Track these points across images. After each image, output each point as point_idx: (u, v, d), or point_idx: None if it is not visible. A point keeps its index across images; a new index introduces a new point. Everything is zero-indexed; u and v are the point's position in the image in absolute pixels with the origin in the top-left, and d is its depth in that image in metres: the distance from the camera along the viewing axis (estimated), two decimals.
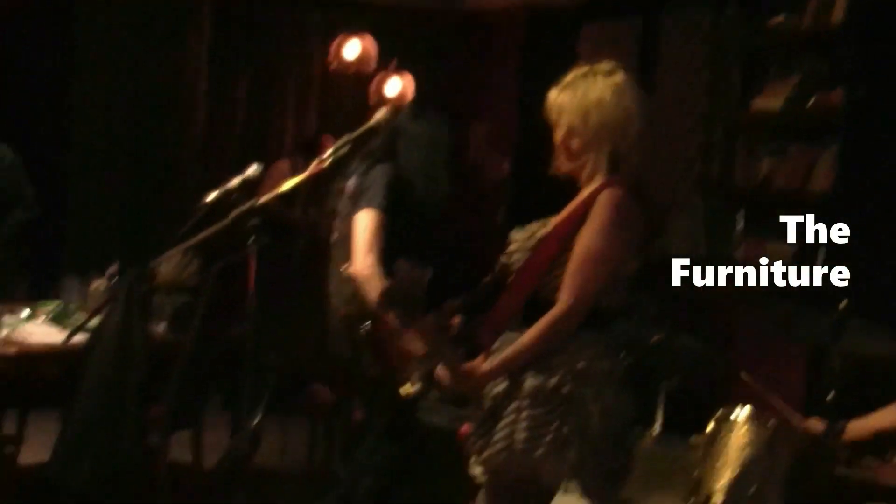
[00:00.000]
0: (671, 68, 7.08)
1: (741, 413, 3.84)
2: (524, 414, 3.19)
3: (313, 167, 3.49)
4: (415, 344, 3.74)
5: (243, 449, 4.82)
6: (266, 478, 5.82)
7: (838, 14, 5.56)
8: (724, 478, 3.73)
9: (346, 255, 4.23)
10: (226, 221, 3.31)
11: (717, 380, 5.66)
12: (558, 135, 3.34)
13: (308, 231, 8.31)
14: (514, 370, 3.22)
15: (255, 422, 4.97)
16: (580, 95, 3.28)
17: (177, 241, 3.85)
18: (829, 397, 3.92)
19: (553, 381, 3.18)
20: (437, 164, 4.50)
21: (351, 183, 4.36)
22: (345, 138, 3.51)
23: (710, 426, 3.90)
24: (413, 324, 3.26)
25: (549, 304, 3.21)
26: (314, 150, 8.17)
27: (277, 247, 7.55)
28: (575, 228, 3.24)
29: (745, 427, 3.80)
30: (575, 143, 3.31)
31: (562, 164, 3.39)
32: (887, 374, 4.78)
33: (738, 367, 5.22)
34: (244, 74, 9.14)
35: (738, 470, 3.73)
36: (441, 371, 3.29)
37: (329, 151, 3.45)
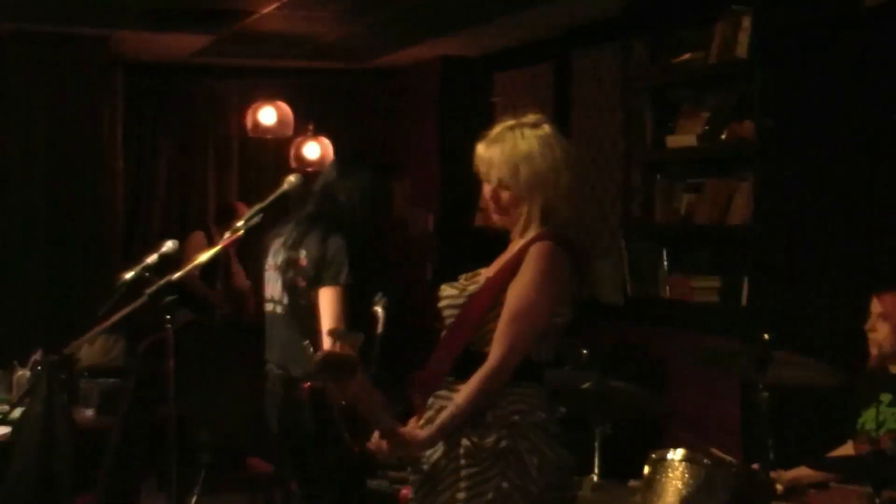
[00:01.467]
0: (585, 111, 7.14)
1: (676, 454, 3.83)
2: (463, 473, 3.17)
3: (227, 237, 3.47)
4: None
5: None
6: None
7: (742, 48, 5.63)
8: None
9: (304, 326, 4.16)
10: (141, 299, 3.28)
11: (652, 421, 5.68)
12: (487, 189, 3.34)
13: (228, 304, 8.31)
14: (448, 433, 3.19)
15: (193, 501, 4.90)
16: (509, 149, 3.26)
17: (95, 322, 3.80)
18: (760, 430, 3.94)
19: (490, 438, 3.16)
20: (371, 220, 4.49)
21: (303, 254, 4.27)
22: (256, 207, 3.50)
23: (646, 469, 3.89)
24: (349, 391, 3.21)
25: (481, 357, 3.18)
26: (230, 219, 8.20)
27: (199, 321, 7.53)
28: (506, 282, 3.23)
29: (681, 468, 3.79)
30: (505, 197, 3.29)
31: (493, 217, 3.38)
32: (812, 403, 4.82)
33: (671, 407, 5.26)
34: (162, 147, 9.11)
35: None
36: (379, 438, 3.25)
37: (241, 221, 3.43)
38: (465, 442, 3.18)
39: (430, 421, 3.25)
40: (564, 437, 3.28)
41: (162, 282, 3.30)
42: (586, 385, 4.48)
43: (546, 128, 3.32)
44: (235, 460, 6.00)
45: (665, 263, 6.27)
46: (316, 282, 4.19)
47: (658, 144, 6.37)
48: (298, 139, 8.76)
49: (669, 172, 6.38)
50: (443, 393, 3.26)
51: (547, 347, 3.29)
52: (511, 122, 3.32)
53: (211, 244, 7.82)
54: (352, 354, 3.21)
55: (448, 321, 3.33)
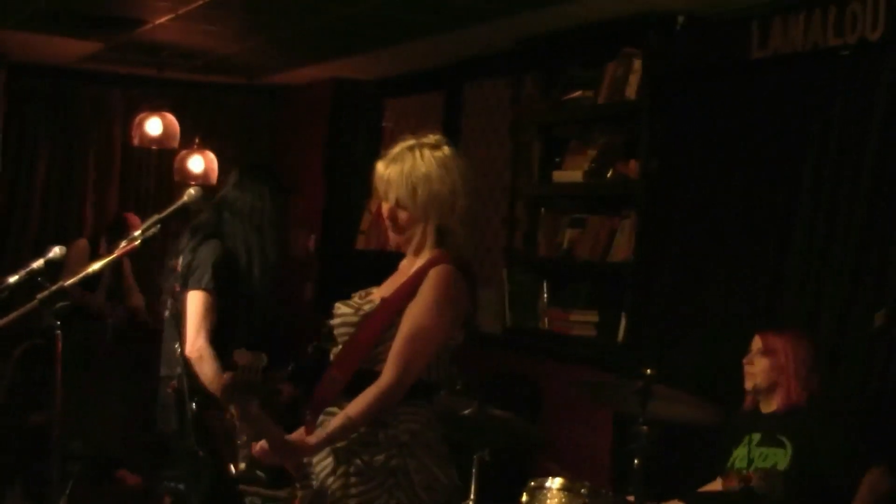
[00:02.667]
0: (474, 142, 7.23)
1: (554, 483, 3.89)
2: (352, 490, 3.20)
3: (123, 247, 3.45)
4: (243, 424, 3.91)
5: None
6: None
7: (631, 90, 5.76)
8: None
9: (178, 332, 4.32)
10: (32, 304, 3.23)
11: (528, 450, 5.75)
12: (385, 207, 3.38)
13: (116, 314, 8.18)
14: (337, 442, 3.21)
15: None
16: (408, 169, 3.30)
17: None
18: (637, 462, 4.02)
19: (380, 456, 3.20)
20: (264, 234, 4.54)
21: (180, 261, 4.35)
22: (154, 217, 3.48)
23: (524, 497, 3.95)
24: (251, 412, 3.22)
25: (373, 375, 3.22)
26: (120, 230, 8.11)
27: (84, 330, 7.43)
28: (403, 304, 3.27)
29: (558, 497, 3.86)
30: (402, 217, 3.34)
31: (386, 235, 3.43)
32: (682, 439, 4.94)
33: (547, 435, 5.33)
34: (42, 151, 8.95)
35: None
36: (263, 445, 3.27)
37: (139, 231, 3.42)
38: (355, 461, 3.21)
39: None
40: (451, 457, 3.34)
41: (54, 287, 3.25)
42: (467, 412, 4.53)
43: (446, 149, 3.37)
44: (105, 471, 5.93)
45: (545, 296, 6.37)
46: (184, 286, 4.35)
47: (544, 178, 6.47)
48: (183, 152, 8.68)
49: (554, 207, 6.49)
50: (334, 410, 3.28)
51: (439, 369, 3.33)
52: (411, 142, 3.37)
53: (96, 253, 7.73)
54: (255, 378, 3.28)
55: (341, 339, 3.35)
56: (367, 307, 3.33)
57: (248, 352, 4.27)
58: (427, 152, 3.33)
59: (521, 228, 6.67)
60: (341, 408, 3.24)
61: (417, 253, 3.36)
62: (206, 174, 8.58)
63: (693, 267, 5.44)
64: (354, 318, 3.33)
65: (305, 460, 3.31)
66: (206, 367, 4.28)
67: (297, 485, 3.34)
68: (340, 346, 3.35)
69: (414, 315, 3.24)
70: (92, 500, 5.87)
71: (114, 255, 3.43)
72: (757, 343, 4.42)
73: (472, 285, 3.35)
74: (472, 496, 4.49)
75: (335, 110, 8.62)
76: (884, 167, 4.63)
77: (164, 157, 9.10)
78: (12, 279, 3.59)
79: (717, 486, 4.49)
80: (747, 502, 3.78)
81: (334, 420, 3.20)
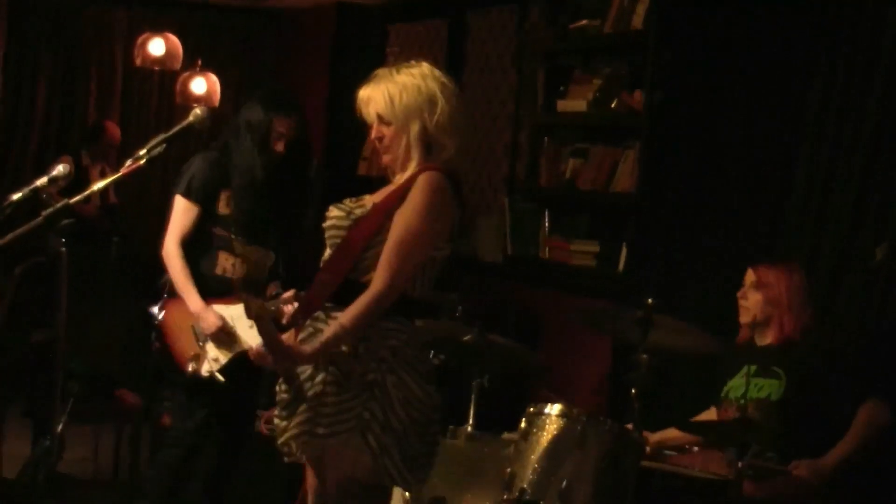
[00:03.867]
0: (478, 69, 7.19)
1: (552, 409, 3.92)
2: (328, 400, 3.22)
3: (128, 164, 3.44)
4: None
5: (47, 457, 4.70)
6: (72, 485, 5.70)
7: (638, 20, 5.72)
8: (536, 473, 3.81)
9: None
10: (37, 221, 3.23)
11: (528, 376, 5.79)
12: (372, 130, 3.40)
13: (119, 232, 8.19)
14: (333, 349, 3.23)
15: (59, 429, 4.85)
16: (383, 84, 3.35)
17: None
18: (633, 391, 4.05)
19: (358, 368, 3.22)
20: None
21: None
22: (161, 136, 3.48)
23: (523, 423, 3.98)
24: (256, 307, 3.25)
25: (361, 287, 3.24)
26: (99, 138, 8.09)
27: (83, 247, 7.44)
28: (393, 209, 3.28)
29: (557, 423, 3.88)
30: (386, 132, 3.36)
31: (380, 159, 3.45)
32: (679, 369, 4.97)
33: (547, 363, 5.36)
34: (43, 73, 8.91)
35: (549, 465, 3.81)
36: (260, 349, 3.30)
37: (144, 149, 3.41)
38: (333, 370, 3.23)
39: (303, 342, 3.29)
40: (433, 376, 3.35)
41: (59, 204, 3.25)
42: (467, 338, 4.55)
43: (424, 65, 3.41)
44: (104, 391, 5.95)
45: (546, 225, 6.37)
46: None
47: (548, 108, 6.44)
48: (186, 73, 8.64)
49: (557, 136, 6.47)
50: (320, 316, 3.31)
51: (424, 283, 3.35)
52: (391, 67, 3.41)
53: (80, 167, 7.70)
54: (262, 276, 3.72)
55: (332, 242, 3.37)
56: (358, 211, 3.35)
57: (260, 248, 4.56)
58: (404, 69, 3.38)
59: (523, 157, 6.66)
60: (327, 315, 3.27)
61: (404, 166, 3.37)
62: (208, 96, 8.55)
63: (695, 200, 5.44)
64: (346, 222, 3.34)
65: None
66: (170, 268, 4.62)
67: (278, 387, 3.37)
68: (330, 250, 3.36)
69: (403, 219, 3.26)
70: (91, 418, 5.91)
71: (120, 173, 3.43)
72: (750, 276, 4.43)
73: (460, 196, 3.36)
74: (470, 422, 4.52)
75: (339, 35, 8.57)
76: (888, 105, 4.62)
77: (166, 78, 9.06)
78: (16, 196, 3.58)
79: (711, 415, 4.53)
80: (743, 431, 3.81)
81: (328, 329, 3.22)
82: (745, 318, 4.44)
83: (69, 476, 5.85)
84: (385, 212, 3.29)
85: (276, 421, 3.38)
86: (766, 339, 4.40)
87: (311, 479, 3.45)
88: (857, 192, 4.70)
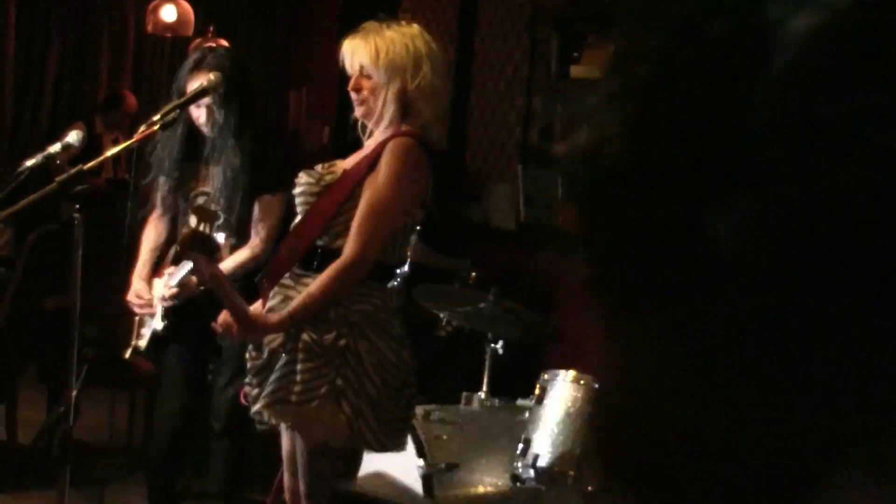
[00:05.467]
0: (491, 35, 7.16)
1: (566, 376, 3.92)
2: (299, 367, 3.21)
3: (142, 130, 3.43)
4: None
5: (62, 423, 4.71)
6: (86, 451, 5.72)
7: None
8: (551, 439, 3.81)
9: None
10: (51, 187, 3.22)
11: (542, 343, 5.78)
12: (351, 80, 3.37)
13: (134, 198, 8.16)
14: (301, 319, 3.22)
15: (74, 395, 4.86)
16: (372, 37, 3.32)
17: None
18: None
19: (329, 335, 3.21)
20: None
21: None
22: (174, 102, 3.46)
23: (537, 389, 3.98)
24: (209, 270, 3.23)
25: (331, 252, 3.23)
26: (117, 107, 8.04)
27: (96, 213, 7.45)
28: (364, 176, 3.27)
29: (571, 389, 3.88)
30: (366, 85, 3.33)
31: (355, 110, 3.42)
32: None
33: (557, 331, 5.36)
34: (55, 35, 8.87)
35: (564, 431, 3.81)
36: (226, 319, 3.28)
37: (159, 115, 3.40)
38: (304, 336, 3.21)
39: (272, 310, 3.28)
40: (407, 339, 3.35)
41: (73, 171, 3.24)
42: (481, 304, 4.54)
43: (414, 26, 3.40)
44: (118, 357, 5.95)
45: (560, 192, 6.35)
46: None
47: (562, 74, 6.42)
48: (198, 40, 8.59)
49: (571, 102, 6.44)
50: (288, 283, 3.30)
51: (396, 248, 3.34)
52: (381, 22, 3.38)
53: (92, 135, 7.68)
54: (213, 236, 3.39)
55: (301, 209, 3.36)
56: (328, 178, 3.33)
57: (208, 208, 4.28)
58: (394, 26, 3.36)
59: (536, 124, 6.64)
60: (296, 281, 3.27)
61: (378, 123, 3.35)
62: None
63: None
64: (316, 188, 3.33)
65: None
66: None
67: (248, 354, 3.36)
68: (300, 216, 3.35)
69: (373, 188, 3.24)
70: (105, 384, 5.91)
71: (134, 139, 3.41)
72: None
73: (432, 162, 3.34)
74: (484, 388, 4.52)
75: (349, 3, 8.52)
76: None
77: (177, 45, 9.03)
78: (29, 162, 3.58)
79: None
80: None
81: (297, 298, 3.21)
82: None
83: (84, 442, 5.86)
84: (355, 178, 3.27)
85: (248, 389, 3.37)
86: None
87: (286, 445, 3.45)
88: None
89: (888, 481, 0.74)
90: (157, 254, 4.49)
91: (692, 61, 0.73)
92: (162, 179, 4.38)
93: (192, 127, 4.29)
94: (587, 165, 0.73)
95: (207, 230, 3.30)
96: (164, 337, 4.42)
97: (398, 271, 3.99)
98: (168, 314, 4.38)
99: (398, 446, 3.39)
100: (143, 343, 4.54)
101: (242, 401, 3.52)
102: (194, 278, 3.91)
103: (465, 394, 4.47)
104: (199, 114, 4.17)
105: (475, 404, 4.46)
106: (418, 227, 4.43)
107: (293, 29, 9.41)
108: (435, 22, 7.25)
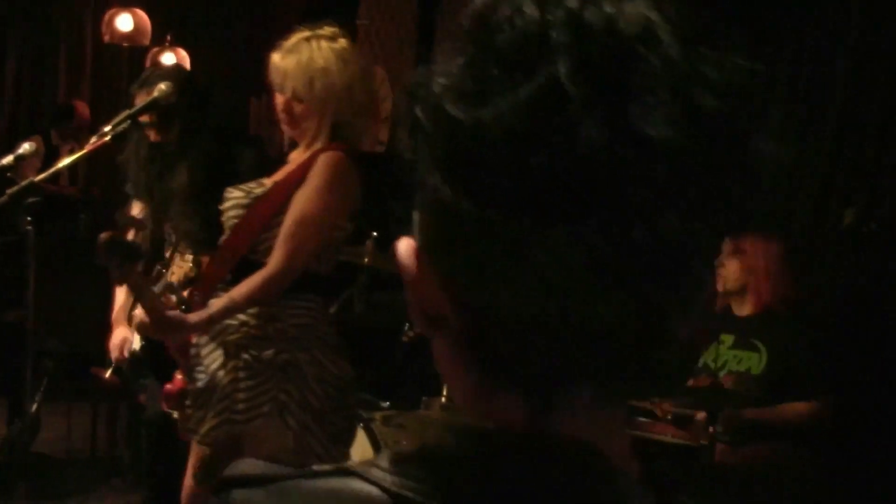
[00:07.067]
0: (450, 41, 7.16)
1: None
2: (241, 385, 3.20)
3: (94, 142, 3.41)
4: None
5: (22, 436, 4.69)
6: (48, 464, 5.69)
7: None
8: None
9: None
10: (1, 200, 3.20)
11: None
12: (280, 100, 3.31)
13: (90, 208, 8.13)
14: (217, 323, 3.20)
15: (34, 408, 4.83)
16: (305, 61, 3.24)
17: None
18: None
19: (269, 351, 3.20)
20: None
21: None
22: (125, 113, 3.44)
23: None
24: (129, 275, 3.21)
25: (259, 265, 3.20)
26: (69, 119, 8.00)
27: (56, 225, 7.43)
28: (292, 190, 3.24)
29: None
30: (298, 109, 3.27)
31: (283, 129, 3.38)
32: None
33: None
34: (12, 50, 8.83)
35: None
36: (144, 318, 3.22)
37: (109, 125, 3.38)
38: (244, 355, 3.21)
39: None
40: (345, 350, 3.34)
41: (24, 183, 3.22)
42: None
43: (343, 42, 3.31)
44: (80, 369, 5.93)
45: None
46: None
47: None
48: (155, 49, 8.58)
49: None
50: (220, 297, 3.27)
51: (327, 260, 3.32)
52: (307, 34, 3.30)
53: (49, 147, 7.64)
54: (135, 241, 3.38)
55: (231, 223, 3.33)
56: (258, 191, 3.30)
57: (132, 218, 4.16)
58: (325, 44, 3.26)
59: None
60: (226, 293, 3.23)
61: (310, 145, 3.31)
62: None
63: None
64: (245, 201, 3.30)
65: (194, 353, 3.31)
66: None
67: (184, 378, 3.34)
68: (230, 230, 3.33)
69: (301, 200, 3.21)
70: (66, 396, 5.89)
71: (85, 150, 3.39)
72: (728, 244, 4.43)
73: (362, 176, 3.30)
74: (444, 393, 4.53)
75: (310, 6, 8.51)
76: (860, 70, 4.63)
77: (135, 54, 8.99)
78: None
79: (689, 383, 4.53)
80: (717, 396, 3.82)
81: (218, 301, 3.19)
82: (721, 287, 4.43)
83: (45, 455, 5.84)
84: (285, 192, 3.24)
85: (189, 411, 3.34)
86: (745, 308, 4.38)
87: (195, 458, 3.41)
88: (829, 153, 4.71)
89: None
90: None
91: None
92: (135, 202, 4.31)
93: (151, 143, 4.22)
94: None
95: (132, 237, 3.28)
96: (144, 358, 4.40)
97: (343, 279, 3.97)
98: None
99: (344, 457, 3.37)
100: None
101: (165, 408, 3.50)
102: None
103: (424, 399, 4.47)
104: (152, 126, 4.12)
105: (435, 409, 4.46)
106: (375, 234, 4.46)
107: (253, 36, 9.39)
108: (395, 28, 7.27)
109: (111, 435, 5.90)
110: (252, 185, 3.35)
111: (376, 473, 0.79)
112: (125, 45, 8.62)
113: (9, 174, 3.38)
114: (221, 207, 3.36)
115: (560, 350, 0.75)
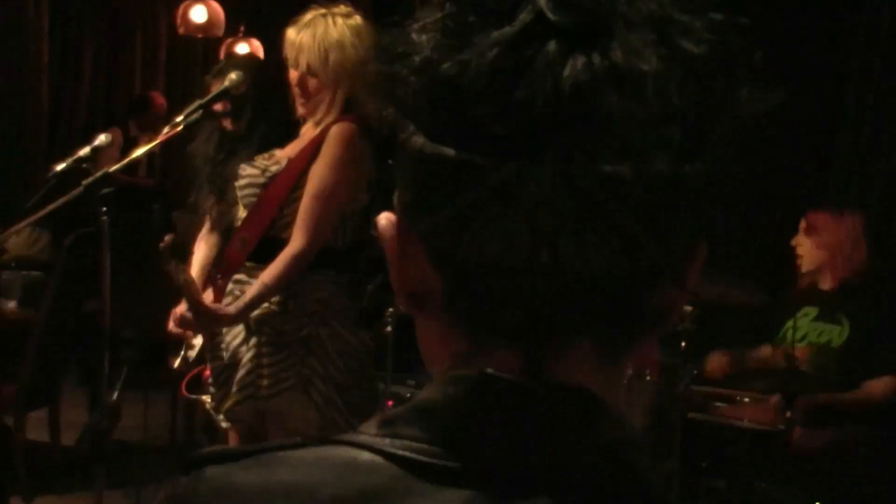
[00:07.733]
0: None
1: None
2: (265, 361, 3.23)
3: (166, 132, 3.44)
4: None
5: (103, 425, 4.75)
6: (127, 452, 5.76)
7: None
8: None
9: None
10: (77, 191, 3.24)
11: None
12: (294, 75, 3.34)
13: (163, 198, 8.21)
14: (256, 309, 3.22)
15: (114, 397, 4.90)
16: (320, 35, 3.28)
17: (25, 213, 3.75)
18: (682, 344, 4.02)
19: (291, 326, 3.22)
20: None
21: None
22: (196, 102, 3.47)
23: None
24: (183, 273, 3.24)
25: (280, 242, 3.23)
26: (145, 109, 8.07)
27: (131, 216, 7.52)
28: (307, 165, 3.27)
29: None
30: (312, 84, 3.31)
31: (297, 105, 3.39)
32: (723, 317, 4.93)
33: None
34: (88, 41, 8.94)
35: None
36: (183, 312, 3.30)
37: (182, 116, 3.40)
38: (265, 331, 3.24)
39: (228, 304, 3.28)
40: (364, 322, 3.39)
41: (99, 174, 3.26)
42: None
43: (357, 18, 3.33)
44: (158, 358, 5.99)
45: None
46: None
47: None
48: (229, 40, 8.63)
49: None
50: (241, 277, 3.32)
51: (346, 233, 3.33)
52: (323, 10, 3.33)
53: (127, 138, 7.73)
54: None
55: (247, 201, 3.36)
56: (273, 168, 3.33)
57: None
58: (340, 20, 3.30)
59: None
60: (249, 275, 3.27)
61: (322, 119, 3.33)
62: None
63: (739, 144, 5.38)
64: (261, 179, 3.33)
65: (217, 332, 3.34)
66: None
67: (207, 356, 3.39)
68: (246, 209, 3.35)
69: (317, 173, 3.24)
70: (146, 385, 5.95)
71: (157, 140, 3.43)
72: (802, 223, 4.39)
73: (374, 148, 3.31)
74: None
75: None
76: None
77: (210, 45, 9.06)
78: (59, 167, 3.60)
79: (766, 352, 4.45)
80: (793, 380, 3.78)
81: (251, 289, 3.20)
82: (800, 266, 4.40)
83: (125, 443, 5.91)
84: (301, 166, 3.28)
85: (212, 389, 3.38)
86: (826, 284, 4.36)
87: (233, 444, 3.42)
88: None
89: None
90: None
91: None
92: (206, 191, 4.33)
93: (223, 132, 4.24)
94: None
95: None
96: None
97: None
98: None
99: None
100: (193, 354, 4.54)
101: (184, 393, 3.53)
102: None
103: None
104: (225, 115, 4.14)
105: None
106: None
107: None
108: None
109: (190, 423, 5.96)
110: (266, 160, 3.37)
111: (365, 439, 0.79)
112: (199, 36, 8.67)
113: (85, 165, 3.41)
114: (236, 185, 3.39)
115: (553, 297, 0.74)
